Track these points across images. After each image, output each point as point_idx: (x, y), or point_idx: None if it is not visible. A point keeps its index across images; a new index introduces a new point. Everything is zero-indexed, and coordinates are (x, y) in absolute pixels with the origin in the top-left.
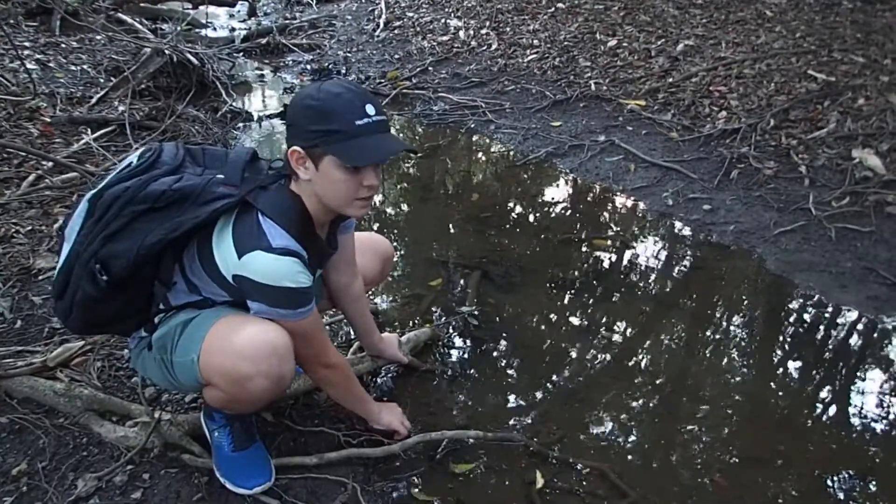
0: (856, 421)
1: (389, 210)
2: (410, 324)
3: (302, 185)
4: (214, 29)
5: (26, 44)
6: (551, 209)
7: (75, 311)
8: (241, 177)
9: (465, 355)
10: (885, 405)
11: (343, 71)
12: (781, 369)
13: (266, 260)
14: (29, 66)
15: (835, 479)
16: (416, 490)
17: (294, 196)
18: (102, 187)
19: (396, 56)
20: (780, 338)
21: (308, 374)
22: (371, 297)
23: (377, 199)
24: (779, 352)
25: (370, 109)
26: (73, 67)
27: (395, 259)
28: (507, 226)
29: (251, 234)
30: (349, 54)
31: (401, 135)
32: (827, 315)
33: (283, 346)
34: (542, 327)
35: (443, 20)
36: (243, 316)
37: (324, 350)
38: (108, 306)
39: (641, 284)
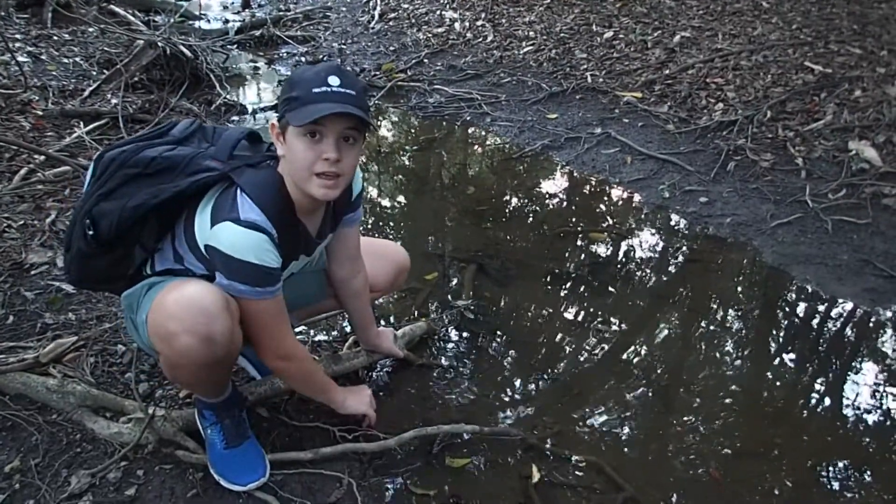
0: (851, 413)
1: (385, 203)
2: (406, 318)
3: (284, 166)
4: (208, 21)
5: (17, 36)
6: (547, 202)
7: (72, 265)
8: (230, 153)
9: (461, 349)
10: (880, 397)
11: (337, 63)
12: (777, 362)
13: (233, 231)
14: (20, 58)
15: (830, 471)
16: (412, 485)
17: (278, 177)
18: (107, 149)
19: (391, 48)
20: (777, 331)
21: (267, 365)
22: None
23: (373, 192)
24: (775, 344)
25: (333, 80)
26: (65, 60)
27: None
28: (503, 219)
29: (226, 206)
30: (344, 46)
31: (396, 128)
32: (823, 307)
33: (211, 304)
34: (538, 321)
35: (438, 12)
36: (192, 279)
37: (280, 340)
38: (96, 263)
39: (637, 277)
